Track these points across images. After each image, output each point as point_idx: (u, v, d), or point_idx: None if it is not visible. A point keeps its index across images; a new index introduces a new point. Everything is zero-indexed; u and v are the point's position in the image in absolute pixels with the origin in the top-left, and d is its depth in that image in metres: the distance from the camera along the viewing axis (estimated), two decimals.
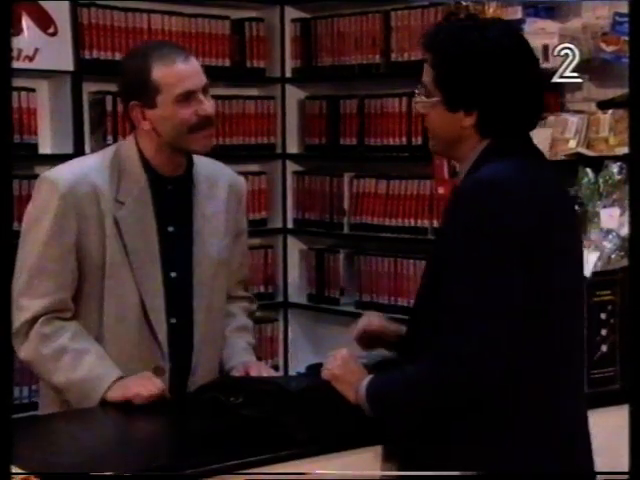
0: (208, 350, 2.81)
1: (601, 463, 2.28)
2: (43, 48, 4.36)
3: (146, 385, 2.60)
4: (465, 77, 2.13)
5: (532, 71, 2.19)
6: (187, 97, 2.66)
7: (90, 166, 2.75)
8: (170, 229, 2.75)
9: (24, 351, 2.65)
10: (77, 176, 2.70)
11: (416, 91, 2.26)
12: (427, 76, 2.19)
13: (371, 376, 2.24)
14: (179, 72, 2.66)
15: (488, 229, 2.04)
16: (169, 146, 2.72)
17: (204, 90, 2.71)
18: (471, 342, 2.02)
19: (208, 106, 2.69)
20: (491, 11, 3.88)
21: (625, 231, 3.13)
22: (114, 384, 2.61)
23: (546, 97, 3.90)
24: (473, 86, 2.13)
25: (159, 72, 2.65)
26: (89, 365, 2.64)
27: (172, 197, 2.77)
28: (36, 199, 2.75)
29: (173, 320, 2.75)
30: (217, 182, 2.84)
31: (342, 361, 2.32)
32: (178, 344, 2.76)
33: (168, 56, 2.67)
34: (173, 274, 2.75)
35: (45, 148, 4.53)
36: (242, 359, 2.87)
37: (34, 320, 2.65)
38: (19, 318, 2.64)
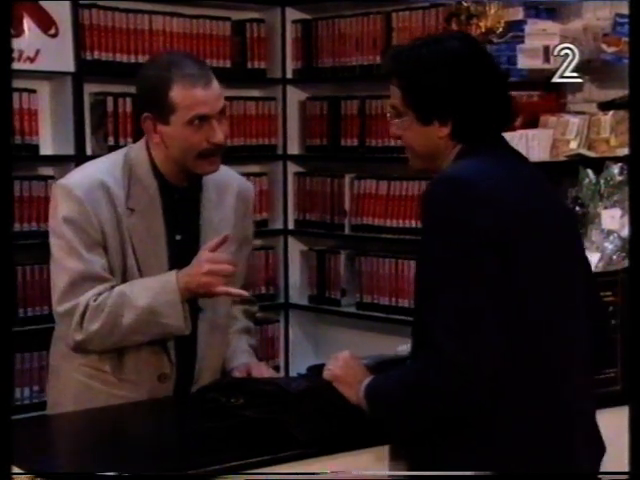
0: (211, 359, 2.82)
1: (601, 463, 2.28)
2: (44, 49, 4.37)
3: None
4: (432, 89, 2.18)
5: (495, 72, 2.24)
6: (201, 121, 2.64)
7: (103, 171, 2.72)
8: (178, 237, 2.75)
9: (96, 324, 2.61)
10: (92, 181, 2.68)
11: (388, 115, 2.31)
12: (395, 98, 2.24)
13: (371, 377, 2.25)
14: (197, 97, 2.63)
15: (450, 224, 2.06)
16: (175, 162, 2.71)
17: (221, 113, 2.69)
18: (462, 347, 2.02)
19: (220, 134, 2.66)
20: (492, 12, 3.88)
21: (626, 232, 3.12)
22: (178, 274, 2.61)
23: (547, 98, 3.94)
24: (442, 96, 2.18)
25: (178, 92, 2.62)
26: (142, 281, 2.65)
27: (180, 205, 2.76)
28: (55, 208, 2.72)
29: None
30: (226, 189, 2.84)
31: (344, 362, 2.33)
32: (183, 352, 2.76)
33: (190, 78, 2.63)
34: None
35: (46, 149, 4.53)
36: (243, 360, 2.87)
37: (80, 279, 2.62)
38: (74, 314, 2.61)
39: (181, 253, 2.74)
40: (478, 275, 2.04)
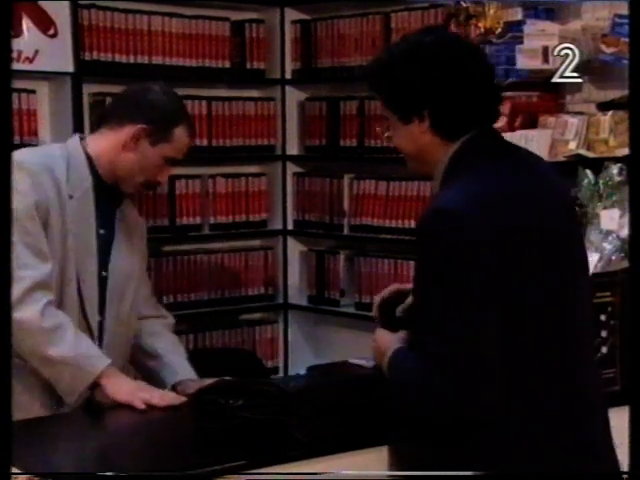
0: (116, 348, 2.91)
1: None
2: (43, 49, 4.36)
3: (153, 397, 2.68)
4: (400, 84, 2.20)
5: (468, 60, 2.20)
6: (169, 162, 2.91)
7: (53, 156, 2.88)
8: (101, 231, 2.91)
9: (27, 312, 2.67)
10: (42, 162, 2.83)
11: (377, 129, 2.38)
12: (381, 106, 2.28)
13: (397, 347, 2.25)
14: (186, 145, 2.93)
15: (446, 263, 2.06)
16: (122, 172, 2.89)
17: None
18: (461, 378, 2.03)
19: (166, 179, 2.98)
20: (491, 12, 3.88)
21: (625, 233, 3.13)
22: (108, 369, 2.69)
23: (546, 99, 3.94)
24: (411, 90, 2.18)
25: (180, 133, 2.89)
26: (88, 344, 2.74)
27: (106, 202, 2.91)
28: None
29: (99, 318, 2.90)
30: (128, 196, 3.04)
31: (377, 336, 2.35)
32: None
33: (191, 128, 2.94)
34: (104, 273, 2.90)
35: None
36: (186, 376, 2.95)
37: (33, 288, 2.69)
38: (19, 288, 2.66)
39: (104, 247, 2.91)
40: (477, 306, 2.04)
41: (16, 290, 2.64)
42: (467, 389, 2.03)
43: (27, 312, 2.66)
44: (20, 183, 2.73)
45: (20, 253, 2.69)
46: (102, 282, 2.90)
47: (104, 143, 2.90)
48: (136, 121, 2.85)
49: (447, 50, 2.19)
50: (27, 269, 2.69)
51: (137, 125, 2.85)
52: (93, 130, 4.58)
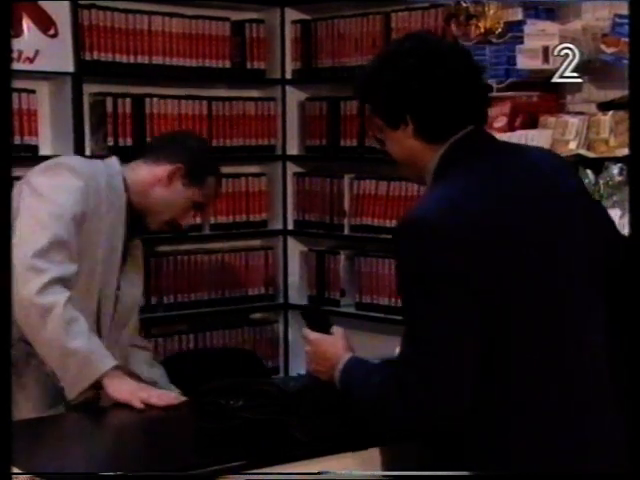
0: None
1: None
2: (43, 49, 4.36)
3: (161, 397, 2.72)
4: (380, 91, 2.21)
5: (446, 63, 2.19)
6: (195, 207, 3.05)
7: (98, 168, 2.98)
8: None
9: (53, 299, 2.68)
10: (91, 170, 2.94)
11: (370, 134, 2.39)
12: (370, 116, 2.31)
13: (346, 360, 2.28)
14: (213, 195, 3.11)
15: (422, 272, 2.09)
16: (149, 204, 2.99)
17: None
18: (433, 389, 2.05)
19: (189, 222, 3.12)
20: (491, 12, 3.89)
21: (625, 233, 3.12)
22: (114, 370, 2.70)
23: (546, 99, 3.94)
24: (389, 95, 2.20)
25: (212, 181, 3.06)
26: (99, 343, 2.77)
27: (130, 227, 2.99)
28: (54, 177, 2.88)
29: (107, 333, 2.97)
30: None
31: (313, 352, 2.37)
32: None
33: (220, 181, 3.16)
34: (117, 291, 2.98)
35: (45, 149, 4.53)
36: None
37: (56, 281, 2.71)
38: (44, 278, 2.68)
39: (121, 267, 2.99)
40: (456, 319, 2.05)
41: (39, 280, 2.68)
42: (433, 397, 2.04)
43: (52, 298, 2.68)
44: (71, 185, 2.84)
45: (50, 248, 2.73)
46: (115, 300, 2.98)
47: (140, 173, 3.01)
48: (174, 161, 2.99)
49: (422, 55, 2.19)
50: (53, 264, 2.72)
51: (174, 164, 2.98)
52: (93, 131, 4.61)
